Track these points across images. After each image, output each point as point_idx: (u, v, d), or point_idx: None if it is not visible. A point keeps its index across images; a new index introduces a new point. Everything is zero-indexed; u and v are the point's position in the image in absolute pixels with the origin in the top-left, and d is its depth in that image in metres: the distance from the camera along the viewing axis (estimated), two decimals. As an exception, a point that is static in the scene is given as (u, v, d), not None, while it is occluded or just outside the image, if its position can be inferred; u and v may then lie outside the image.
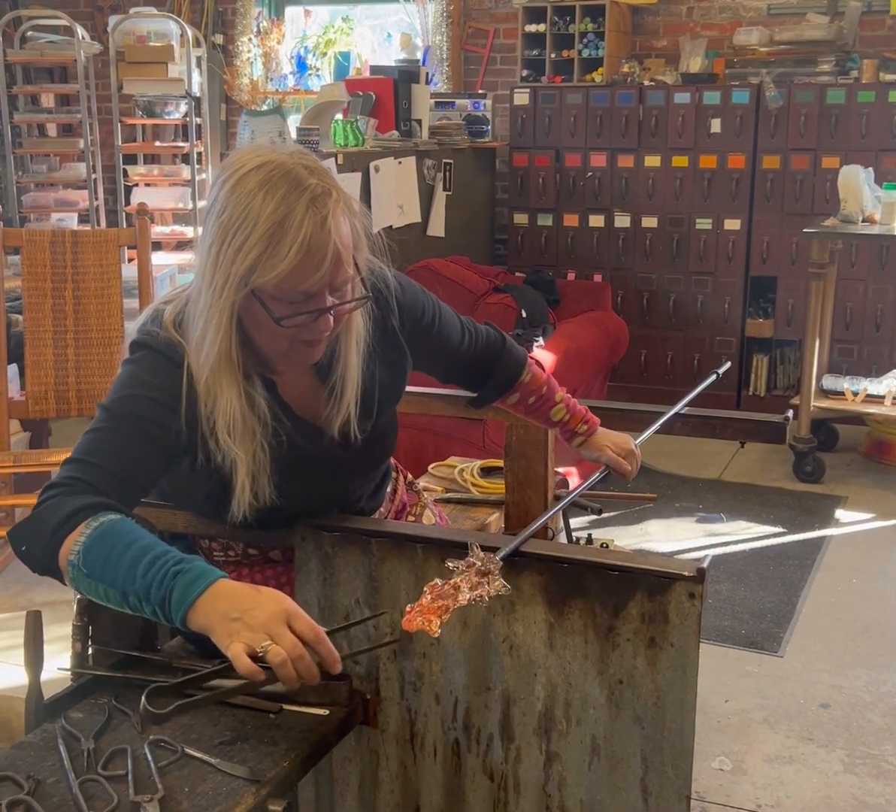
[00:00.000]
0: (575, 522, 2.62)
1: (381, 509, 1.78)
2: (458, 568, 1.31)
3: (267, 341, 1.45)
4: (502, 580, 1.32)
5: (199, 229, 6.02)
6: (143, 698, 1.17)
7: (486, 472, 2.64)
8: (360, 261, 1.48)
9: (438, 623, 1.25)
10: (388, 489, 1.81)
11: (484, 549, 1.36)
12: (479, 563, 1.31)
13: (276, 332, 1.43)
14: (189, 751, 1.26)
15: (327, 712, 1.32)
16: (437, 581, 1.29)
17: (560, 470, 2.65)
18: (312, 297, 1.41)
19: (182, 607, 1.23)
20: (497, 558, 1.34)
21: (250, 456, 1.45)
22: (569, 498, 1.72)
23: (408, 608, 1.27)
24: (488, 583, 1.30)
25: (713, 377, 2.22)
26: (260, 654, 1.19)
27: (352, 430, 1.56)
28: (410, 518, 1.90)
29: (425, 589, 1.28)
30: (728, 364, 2.42)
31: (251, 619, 1.21)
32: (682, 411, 2.09)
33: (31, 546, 1.34)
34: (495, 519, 2.40)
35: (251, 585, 1.27)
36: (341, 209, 1.41)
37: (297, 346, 1.45)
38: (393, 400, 1.69)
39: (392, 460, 1.83)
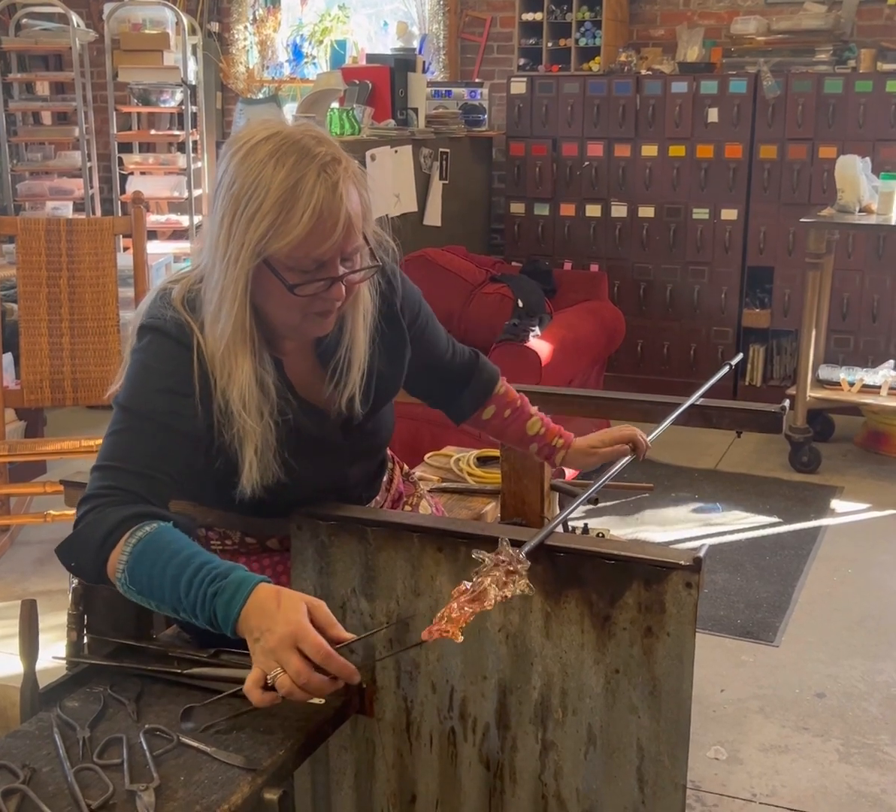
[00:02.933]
0: (571, 512, 2.62)
1: (378, 498, 1.78)
2: (485, 563, 1.29)
3: (279, 314, 1.46)
4: (527, 580, 1.29)
5: (195, 218, 6.03)
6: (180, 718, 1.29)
7: (483, 461, 2.63)
8: (369, 232, 1.48)
9: (460, 628, 1.23)
10: (385, 479, 1.81)
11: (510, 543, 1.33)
12: (508, 561, 1.29)
13: (288, 304, 1.43)
14: (185, 739, 1.26)
15: (323, 701, 1.31)
16: (466, 584, 1.25)
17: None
18: (324, 265, 1.42)
19: (228, 626, 1.27)
20: (522, 556, 1.31)
21: (259, 433, 1.45)
22: (596, 486, 1.69)
23: (437, 618, 1.23)
24: (514, 582, 1.28)
25: (727, 368, 2.24)
26: (270, 684, 1.22)
27: (354, 411, 1.56)
28: (407, 508, 1.90)
29: (454, 593, 1.25)
30: (740, 355, 2.45)
31: (266, 643, 1.23)
32: (680, 401, 2.09)
33: (80, 563, 1.38)
34: (491, 508, 2.40)
35: (276, 593, 1.26)
36: (351, 177, 1.42)
37: (310, 318, 1.46)
38: (391, 390, 1.69)
39: (388, 451, 1.83)
